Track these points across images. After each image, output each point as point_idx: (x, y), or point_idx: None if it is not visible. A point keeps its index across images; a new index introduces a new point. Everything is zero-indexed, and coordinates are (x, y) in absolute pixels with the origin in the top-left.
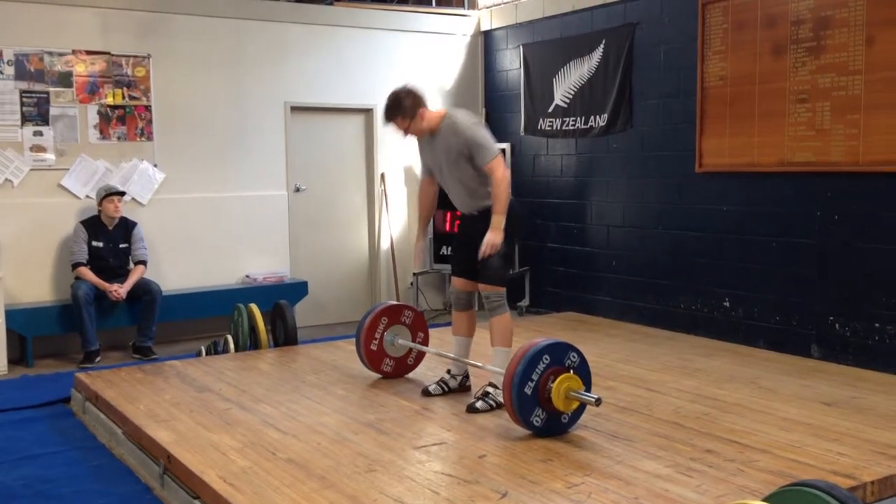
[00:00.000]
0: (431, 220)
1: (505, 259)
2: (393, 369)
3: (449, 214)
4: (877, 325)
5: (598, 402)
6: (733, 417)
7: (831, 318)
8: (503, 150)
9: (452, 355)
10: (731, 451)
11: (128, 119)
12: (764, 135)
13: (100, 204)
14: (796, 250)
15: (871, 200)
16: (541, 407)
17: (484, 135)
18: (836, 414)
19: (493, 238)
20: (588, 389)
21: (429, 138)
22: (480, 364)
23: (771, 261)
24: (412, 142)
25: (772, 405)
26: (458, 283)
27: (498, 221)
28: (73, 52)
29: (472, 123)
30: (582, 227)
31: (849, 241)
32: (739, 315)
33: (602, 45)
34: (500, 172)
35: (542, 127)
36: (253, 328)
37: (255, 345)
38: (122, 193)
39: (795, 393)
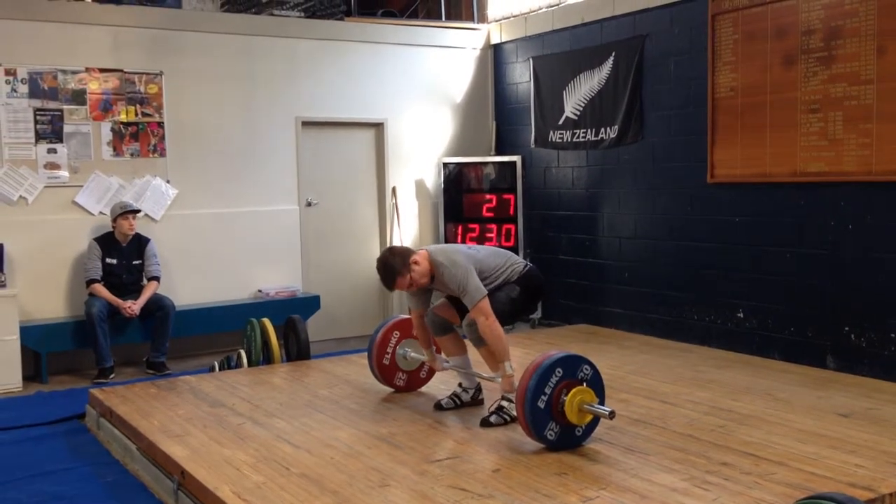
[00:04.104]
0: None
1: (512, 303)
2: (406, 383)
3: (461, 227)
4: (892, 335)
5: (611, 414)
6: (749, 430)
7: (846, 328)
8: (514, 163)
9: (462, 369)
10: (747, 463)
11: (141, 136)
12: (776, 145)
13: (114, 221)
14: (810, 261)
15: (884, 210)
16: (554, 420)
17: (466, 278)
18: (852, 425)
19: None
20: (601, 402)
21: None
22: (492, 376)
23: (785, 271)
24: (423, 154)
25: (787, 417)
26: (443, 308)
27: (504, 369)
28: (87, 69)
29: (455, 273)
30: (593, 239)
31: (863, 250)
32: (753, 326)
33: (612, 57)
34: (487, 323)
35: (553, 139)
36: (266, 343)
37: (267, 359)
38: (137, 211)
39: (811, 404)
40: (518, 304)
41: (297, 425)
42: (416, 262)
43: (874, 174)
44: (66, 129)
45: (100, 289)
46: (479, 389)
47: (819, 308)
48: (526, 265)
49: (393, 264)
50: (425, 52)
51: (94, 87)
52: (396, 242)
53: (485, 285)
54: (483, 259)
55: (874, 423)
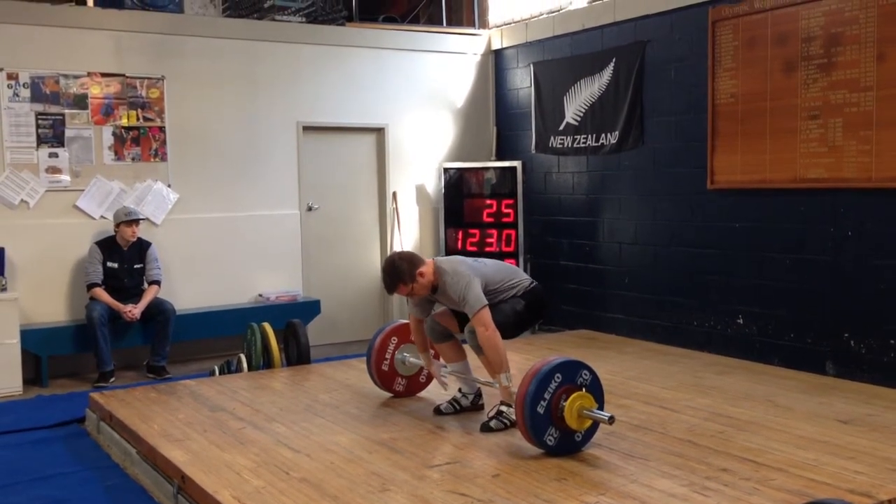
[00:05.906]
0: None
1: (517, 316)
2: (405, 388)
3: (461, 233)
4: (892, 341)
5: (611, 420)
6: (748, 436)
7: (846, 334)
8: (514, 168)
9: (461, 375)
10: (746, 469)
11: (142, 140)
12: (776, 152)
13: (117, 227)
14: (810, 267)
15: (884, 216)
16: (554, 426)
17: (467, 287)
18: (852, 432)
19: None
20: (601, 407)
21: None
22: (490, 381)
23: (785, 277)
24: (424, 159)
25: (787, 423)
26: (443, 316)
27: (500, 380)
28: (88, 74)
29: (457, 281)
30: (594, 245)
31: (862, 257)
32: (753, 332)
33: (612, 63)
34: (486, 334)
35: (554, 145)
36: (266, 347)
37: (268, 364)
38: (141, 219)
39: (811, 411)
40: (522, 317)
41: (297, 430)
42: (421, 275)
43: (874, 181)
44: (68, 133)
45: (100, 293)
46: (478, 395)
47: (819, 314)
48: (531, 282)
49: (401, 269)
50: (426, 58)
51: (96, 91)
52: (397, 247)
53: (489, 297)
54: (488, 272)
55: (874, 430)
